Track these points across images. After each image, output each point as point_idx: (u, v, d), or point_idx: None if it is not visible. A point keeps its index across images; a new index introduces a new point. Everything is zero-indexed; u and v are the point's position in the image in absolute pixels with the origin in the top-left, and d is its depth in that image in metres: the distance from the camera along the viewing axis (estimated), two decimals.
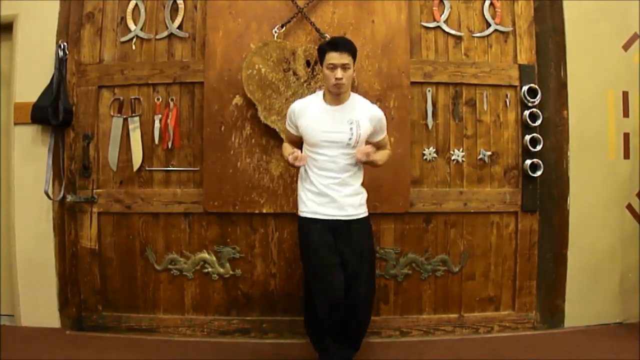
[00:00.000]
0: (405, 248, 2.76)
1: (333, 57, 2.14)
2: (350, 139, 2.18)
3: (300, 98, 2.61)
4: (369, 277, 2.27)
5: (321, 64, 2.23)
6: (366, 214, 2.27)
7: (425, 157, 2.77)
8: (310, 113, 2.23)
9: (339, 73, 2.13)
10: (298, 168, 2.25)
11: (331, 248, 2.17)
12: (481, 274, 2.81)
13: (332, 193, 2.18)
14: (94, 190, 2.77)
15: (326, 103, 2.24)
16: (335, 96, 2.21)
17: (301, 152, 2.21)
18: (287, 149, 2.30)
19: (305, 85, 2.63)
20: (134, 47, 2.79)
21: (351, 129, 2.18)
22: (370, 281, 2.28)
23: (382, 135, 2.32)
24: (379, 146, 2.31)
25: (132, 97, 2.78)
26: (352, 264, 2.18)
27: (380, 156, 2.29)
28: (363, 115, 2.22)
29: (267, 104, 2.63)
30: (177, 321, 2.77)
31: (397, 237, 2.76)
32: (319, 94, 2.30)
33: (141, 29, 2.79)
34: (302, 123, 2.24)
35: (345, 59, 2.14)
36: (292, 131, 2.32)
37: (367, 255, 2.25)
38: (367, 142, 2.25)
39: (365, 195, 2.28)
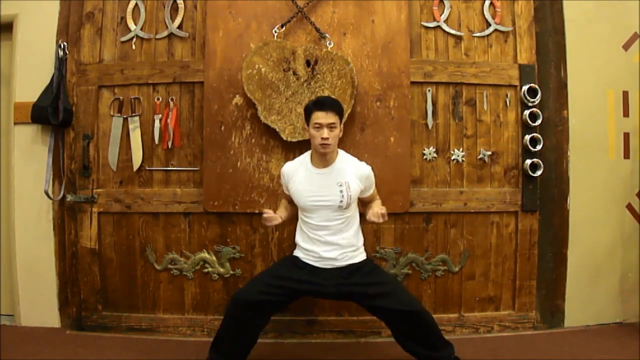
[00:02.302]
0: (405, 248, 2.77)
1: (319, 117, 2.16)
2: (341, 201, 2.19)
3: (300, 98, 2.62)
4: (400, 287, 2.31)
5: (307, 124, 2.24)
6: (363, 258, 2.28)
7: (425, 157, 2.77)
8: (298, 178, 2.26)
9: (325, 133, 2.14)
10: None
11: (277, 294, 2.18)
12: (481, 274, 2.81)
13: (320, 250, 2.21)
14: (94, 190, 2.77)
15: (314, 167, 2.25)
16: (322, 156, 2.22)
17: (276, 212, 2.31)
18: (280, 206, 2.43)
19: (305, 85, 2.63)
20: (134, 46, 2.79)
21: (341, 191, 2.19)
22: (404, 289, 2.30)
23: (372, 190, 2.33)
24: (370, 200, 2.34)
25: (132, 96, 2.78)
26: (377, 291, 2.17)
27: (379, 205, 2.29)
28: (352, 175, 2.22)
29: (267, 104, 2.63)
30: (177, 321, 2.77)
31: (397, 237, 2.76)
32: (307, 155, 2.31)
33: (141, 29, 2.79)
34: (292, 187, 2.27)
35: (331, 118, 2.15)
36: (285, 191, 2.35)
37: (380, 277, 2.26)
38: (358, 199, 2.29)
39: (359, 247, 2.29)
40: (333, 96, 2.61)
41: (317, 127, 2.16)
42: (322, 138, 2.15)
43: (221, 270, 2.75)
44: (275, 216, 2.22)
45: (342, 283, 2.18)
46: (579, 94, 2.84)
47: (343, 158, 2.29)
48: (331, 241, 2.21)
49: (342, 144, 2.66)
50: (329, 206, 2.20)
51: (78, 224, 2.78)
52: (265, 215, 2.21)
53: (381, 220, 2.13)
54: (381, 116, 2.70)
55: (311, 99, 2.39)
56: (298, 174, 2.27)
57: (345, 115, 2.61)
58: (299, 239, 2.31)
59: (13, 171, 2.84)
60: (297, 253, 2.30)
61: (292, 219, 2.43)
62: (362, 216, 2.32)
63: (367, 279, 2.21)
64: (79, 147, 2.78)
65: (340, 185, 2.20)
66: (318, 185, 2.21)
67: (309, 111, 2.22)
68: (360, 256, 2.27)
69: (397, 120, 2.70)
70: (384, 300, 2.15)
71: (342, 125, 2.27)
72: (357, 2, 2.72)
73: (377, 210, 2.14)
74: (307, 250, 2.24)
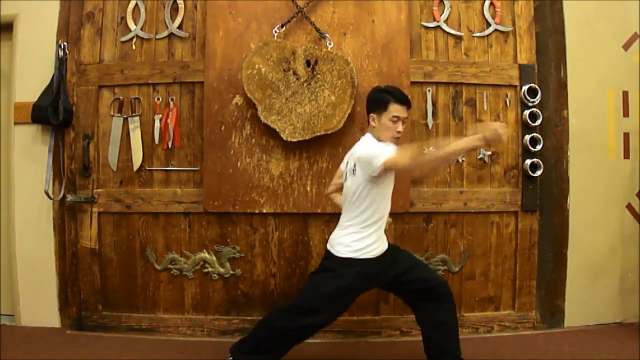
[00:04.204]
0: (406, 248, 2.73)
1: (398, 110, 2.12)
2: None
3: (300, 98, 2.62)
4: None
5: (374, 111, 2.15)
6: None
7: None
8: None
9: (400, 127, 2.13)
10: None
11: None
12: (481, 274, 2.81)
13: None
14: (94, 190, 2.77)
15: None
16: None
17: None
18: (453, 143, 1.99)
19: (305, 85, 2.63)
20: (134, 46, 2.79)
21: None
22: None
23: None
24: None
25: (132, 96, 2.78)
26: (414, 263, 2.25)
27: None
28: None
29: (267, 104, 2.63)
30: (177, 321, 2.77)
31: (397, 237, 2.76)
32: (374, 140, 2.17)
33: (141, 29, 2.79)
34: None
35: (407, 113, 2.16)
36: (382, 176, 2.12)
37: (406, 252, 2.33)
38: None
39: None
40: (333, 96, 2.61)
41: (395, 120, 2.13)
42: (398, 132, 2.13)
43: (221, 270, 2.75)
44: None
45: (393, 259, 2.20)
46: (579, 94, 2.84)
47: None
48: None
49: (342, 145, 2.66)
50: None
51: (78, 224, 2.78)
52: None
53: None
54: None
55: (381, 88, 2.21)
56: None
57: (345, 116, 2.62)
58: (370, 239, 2.13)
59: (13, 171, 2.84)
60: (370, 253, 2.12)
61: None
62: None
63: (401, 252, 2.28)
64: (79, 147, 2.78)
65: None
66: None
67: (385, 101, 2.13)
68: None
69: None
70: (419, 271, 2.22)
71: None
72: (357, 2, 2.72)
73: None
74: (380, 240, 2.16)
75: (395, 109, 2.12)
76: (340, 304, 2.15)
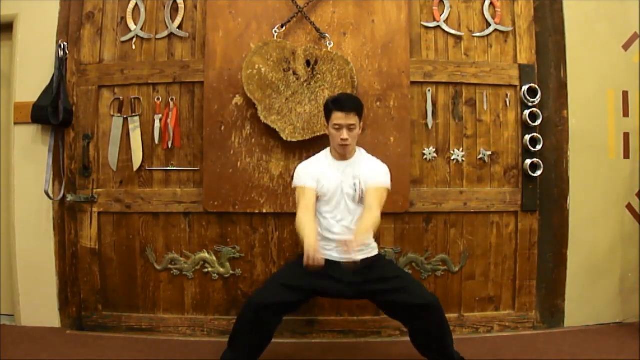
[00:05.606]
0: (405, 248, 2.77)
1: (339, 118, 2.13)
2: (354, 194, 2.18)
3: (300, 98, 2.62)
4: (417, 283, 2.23)
5: (327, 122, 2.22)
6: (375, 253, 2.24)
7: (425, 157, 2.77)
8: (326, 169, 2.23)
9: (344, 134, 2.13)
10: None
11: (295, 291, 2.12)
12: (481, 274, 2.81)
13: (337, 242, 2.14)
14: (94, 190, 2.77)
15: (334, 159, 2.26)
16: (342, 155, 2.22)
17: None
18: (306, 229, 2.08)
19: (305, 85, 2.63)
20: (134, 46, 2.79)
21: (355, 184, 2.18)
22: (420, 285, 2.22)
23: (373, 188, 2.16)
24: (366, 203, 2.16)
25: (132, 96, 2.78)
26: (394, 286, 2.12)
27: (360, 231, 2.07)
28: (366, 169, 2.20)
29: (267, 104, 2.63)
30: (177, 321, 2.77)
31: (397, 237, 2.76)
32: (326, 151, 2.31)
33: (141, 29, 2.79)
34: (323, 180, 2.21)
35: (351, 119, 2.13)
36: (311, 186, 2.19)
37: (394, 271, 2.25)
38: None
39: (370, 244, 2.22)
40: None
41: (337, 128, 2.15)
42: (342, 139, 2.13)
43: (221, 270, 2.75)
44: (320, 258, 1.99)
45: (358, 279, 2.10)
46: (579, 94, 2.84)
47: (361, 153, 2.30)
48: (348, 233, 2.15)
49: None
50: (349, 196, 2.18)
51: (78, 224, 2.78)
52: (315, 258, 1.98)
53: (345, 249, 1.95)
54: (381, 116, 2.70)
55: (331, 96, 2.32)
56: (324, 166, 2.24)
57: None
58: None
59: (13, 171, 2.84)
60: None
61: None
62: None
63: (382, 273, 2.17)
64: (79, 147, 2.78)
65: (354, 178, 2.19)
66: (341, 176, 2.20)
67: (328, 110, 2.20)
68: (373, 252, 2.24)
69: (397, 120, 2.70)
70: (400, 294, 2.11)
71: (362, 124, 2.25)
72: (357, 2, 2.72)
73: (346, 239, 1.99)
74: (325, 243, 2.17)
75: (335, 117, 2.15)
76: (281, 288, 2.11)
